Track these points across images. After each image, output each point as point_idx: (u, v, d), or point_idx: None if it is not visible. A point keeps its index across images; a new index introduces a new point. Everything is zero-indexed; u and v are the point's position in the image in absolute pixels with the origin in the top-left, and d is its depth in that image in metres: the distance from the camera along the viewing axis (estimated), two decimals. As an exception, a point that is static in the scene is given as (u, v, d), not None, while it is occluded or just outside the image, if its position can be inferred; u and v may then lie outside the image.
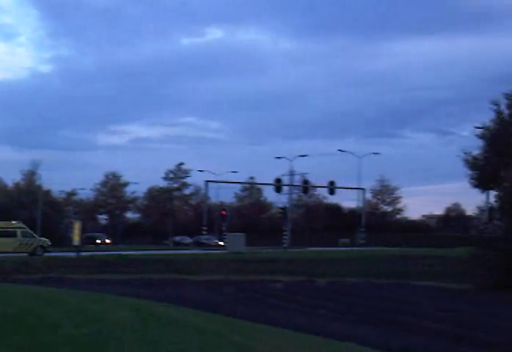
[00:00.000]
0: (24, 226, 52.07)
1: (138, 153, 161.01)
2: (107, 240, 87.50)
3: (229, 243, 46.93)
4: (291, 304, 18.63)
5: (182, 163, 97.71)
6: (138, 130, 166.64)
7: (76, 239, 41.80)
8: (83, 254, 40.35)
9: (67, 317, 9.11)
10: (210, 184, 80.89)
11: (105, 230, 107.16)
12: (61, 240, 69.67)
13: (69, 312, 9.80)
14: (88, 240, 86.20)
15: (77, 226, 42.75)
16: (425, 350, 10.80)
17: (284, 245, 57.79)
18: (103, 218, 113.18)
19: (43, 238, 51.32)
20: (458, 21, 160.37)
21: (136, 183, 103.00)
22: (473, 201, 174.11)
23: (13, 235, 49.01)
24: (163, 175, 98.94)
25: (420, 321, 14.68)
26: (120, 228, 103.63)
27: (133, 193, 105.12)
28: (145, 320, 8.21)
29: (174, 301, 18.87)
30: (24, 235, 49.50)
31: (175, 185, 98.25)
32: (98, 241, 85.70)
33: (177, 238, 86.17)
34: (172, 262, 36.32)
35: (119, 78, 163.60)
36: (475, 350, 10.91)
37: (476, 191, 51.20)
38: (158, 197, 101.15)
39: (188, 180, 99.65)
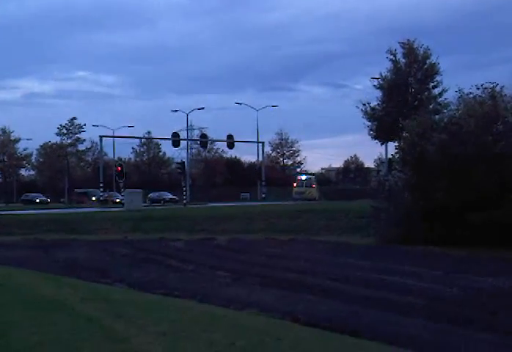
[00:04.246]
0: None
1: (31, 109, 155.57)
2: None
3: (127, 201, 45.44)
4: (189, 265, 17.70)
5: (74, 118, 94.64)
6: (30, 85, 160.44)
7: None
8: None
9: None
10: (107, 140, 78.48)
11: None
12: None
13: None
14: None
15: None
16: (329, 315, 9.95)
17: (184, 201, 56.63)
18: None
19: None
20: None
21: (28, 139, 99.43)
22: (371, 153, 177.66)
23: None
24: (56, 131, 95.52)
25: (323, 281, 13.94)
26: (15, 186, 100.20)
27: (25, 150, 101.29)
28: (5, 301, 6.93)
29: (61, 266, 17.66)
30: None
31: (69, 141, 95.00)
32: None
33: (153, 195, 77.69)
34: (66, 222, 34.72)
35: (6, 31, 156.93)
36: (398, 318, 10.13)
37: (374, 142, 51.09)
38: (51, 153, 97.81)
39: (82, 136, 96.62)
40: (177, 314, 6.81)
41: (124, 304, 7.15)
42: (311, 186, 66.68)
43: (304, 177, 69.26)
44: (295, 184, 67.34)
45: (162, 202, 71.48)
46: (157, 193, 77.77)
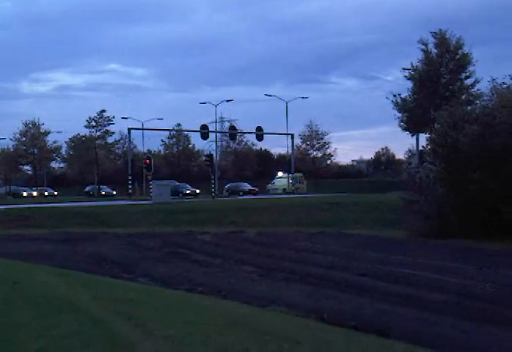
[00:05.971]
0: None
1: (62, 102, 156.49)
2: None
3: (155, 193, 45.15)
4: (216, 260, 17.42)
5: (104, 111, 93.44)
6: (61, 77, 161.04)
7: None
8: (1, 207, 38.03)
9: None
10: (137, 132, 78.20)
11: (30, 181, 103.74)
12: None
13: None
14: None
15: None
16: (356, 313, 9.57)
17: (213, 193, 56.31)
18: (27, 170, 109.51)
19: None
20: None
21: (59, 132, 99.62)
22: (403, 145, 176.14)
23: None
24: (85, 123, 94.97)
25: (352, 277, 13.55)
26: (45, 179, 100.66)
27: (54, 142, 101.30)
28: (16, 300, 6.63)
29: (86, 260, 17.47)
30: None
31: (98, 134, 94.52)
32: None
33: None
34: (95, 215, 34.61)
35: (39, 24, 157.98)
36: (438, 317, 9.74)
37: (405, 134, 50.45)
38: (80, 146, 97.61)
39: (112, 128, 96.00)
40: (193, 315, 6.43)
41: (138, 304, 6.78)
42: (302, 183, 76.21)
43: (297, 175, 77.35)
44: (291, 180, 74.07)
45: (241, 193, 70.24)
46: (234, 184, 77.46)
